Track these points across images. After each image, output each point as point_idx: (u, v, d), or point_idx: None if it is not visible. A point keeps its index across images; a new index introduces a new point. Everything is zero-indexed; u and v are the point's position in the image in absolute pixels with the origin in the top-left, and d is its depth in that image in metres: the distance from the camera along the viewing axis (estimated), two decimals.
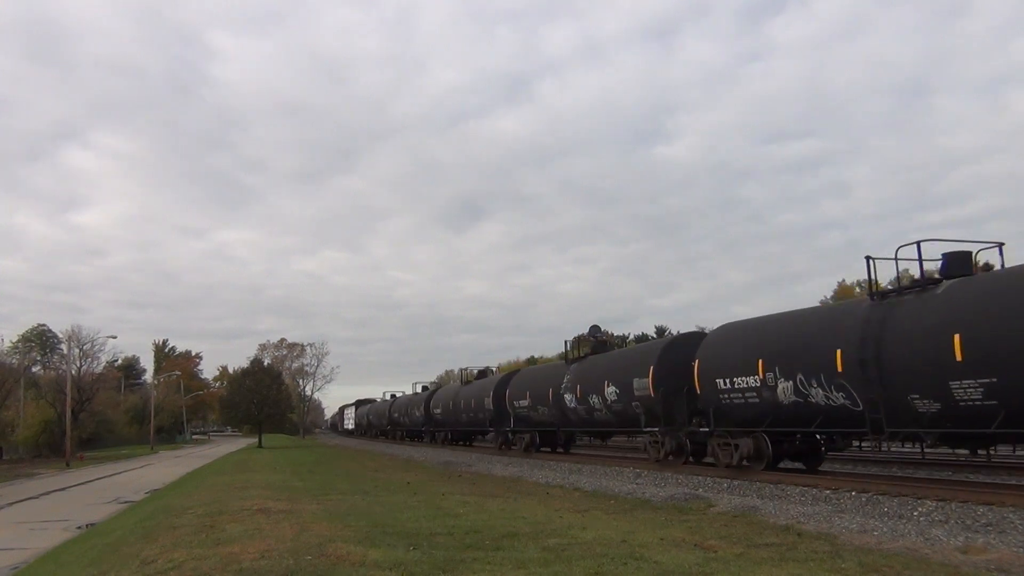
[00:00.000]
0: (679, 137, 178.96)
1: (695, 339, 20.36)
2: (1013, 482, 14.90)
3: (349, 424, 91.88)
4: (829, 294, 78.90)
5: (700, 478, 17.44)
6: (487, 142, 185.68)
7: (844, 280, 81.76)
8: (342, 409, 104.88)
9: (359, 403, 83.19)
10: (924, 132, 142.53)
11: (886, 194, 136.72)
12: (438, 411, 44.38)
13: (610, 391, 22.37)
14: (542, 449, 29.75)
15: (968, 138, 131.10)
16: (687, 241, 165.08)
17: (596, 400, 23.30)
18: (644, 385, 20.29)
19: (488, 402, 34.08)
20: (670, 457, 20.04)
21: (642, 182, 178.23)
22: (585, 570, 7.02)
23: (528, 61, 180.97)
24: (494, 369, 44.71)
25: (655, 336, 67.99)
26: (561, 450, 29.54)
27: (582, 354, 26.32)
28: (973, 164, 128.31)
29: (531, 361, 77.53)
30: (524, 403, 29.75)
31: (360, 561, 7.39)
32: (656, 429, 20.20)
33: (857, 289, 76.03)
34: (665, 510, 12.58)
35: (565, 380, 25.73)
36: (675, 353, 20.04)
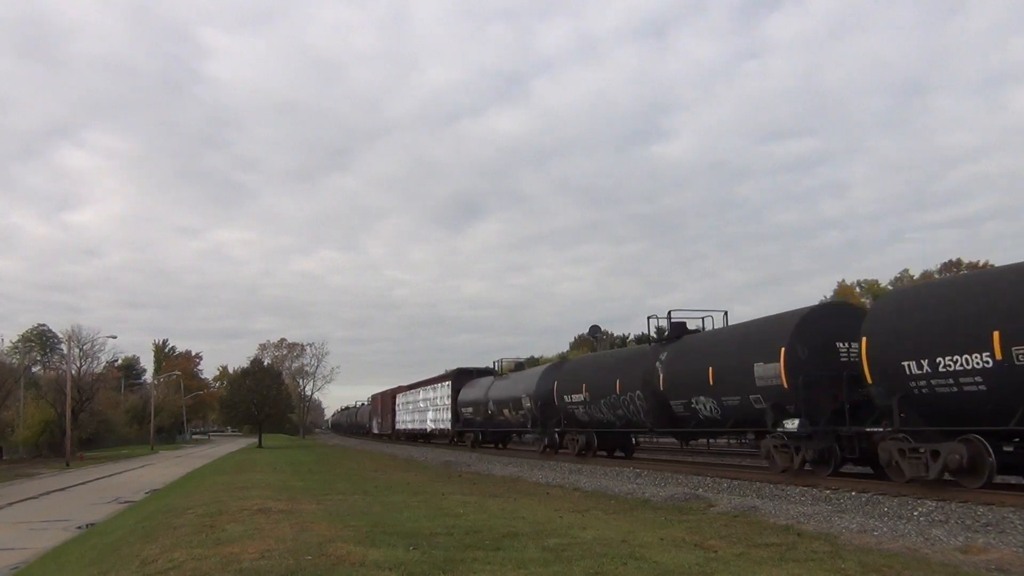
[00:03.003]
0: (676, 136, 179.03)
1: (842, 311, 16.25)
2: (1013, 482, 14.90)
3: (435, 420, 44.98)
4: (829, 294, 79.04)
5: (700, 478, 17.43)
6: (483, 141, 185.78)
7: (844, 280, 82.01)
8: (391, 397, 58.62)
9: (462, 374, 41.80)
10: (922, 131, 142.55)
11: (884, 193, 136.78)
12: (468, 410, 38.35)
13: (717, 381, 17.71)
14: (599, 453, 25.51)
15: (966, 137, 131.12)
16: (685, 240, 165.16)
17: (695, 393, 18.56)
18: (772, 372, 15.81)
19: (528, 399, 29.15)
20: (807, 466, 15.70)
21: (639, 181, 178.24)
22: (585, 570, 7.02)
23: (523, 59, 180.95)
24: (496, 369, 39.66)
25: (655, 336, 63.57)
26: (621, 454, 25.72)
27: (666, 336, 21.25)
28: (972, 163, 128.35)
29: (532, 361, 71.84)
30: (579, 398, 24.88)
31: (360, 561, 7.39)
32: (794, 429, 15.36)
33: (857, 289, 76.19)
34: (665, 510, 12.58)
35: (645, 368, 21.07)
36: (815, 328, 15.75)
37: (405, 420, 53.41)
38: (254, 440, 67.96)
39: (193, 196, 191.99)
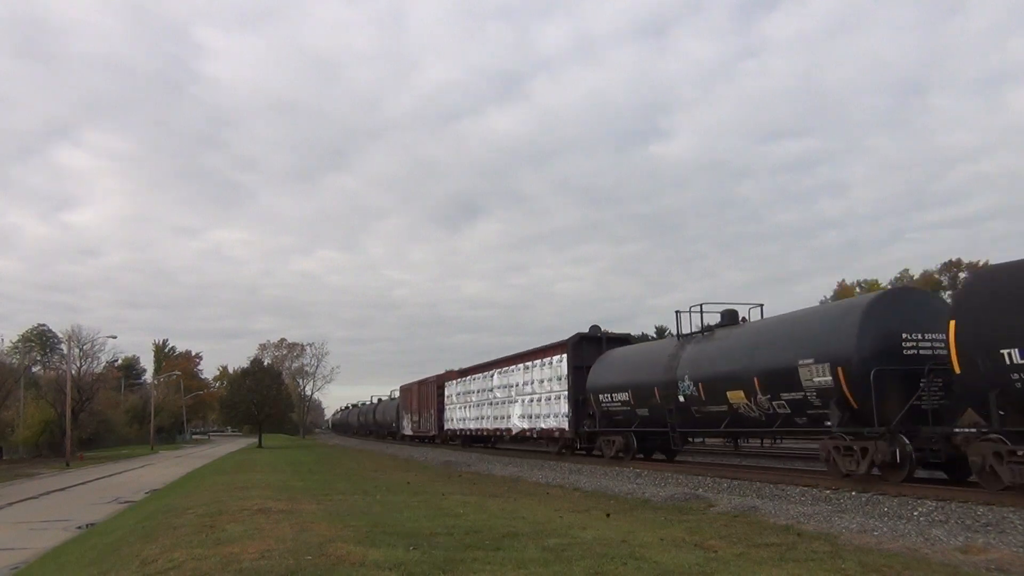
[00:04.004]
0: (675, 135, 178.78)
1: None
2: None
3: (530, 416, 29.59)
4: (829, 294, 79.08)
5: (700, 478, 17.43)
6: (482, 140, 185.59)
7: (844, 280, 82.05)
8: (436, 386, 45.28)
9: (587, 343, 26.95)
10: (922, 131, 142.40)
11: (883, 193, 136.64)
12: (619, 397, 23.04)
13: None
14: None
15: (966, 136, 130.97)
16: (685, 240, 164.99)
17: None
18: None
19: (820, 369, 14.97)
20: None
21: (639, 181, 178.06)
22: (585, 570, 7.02)
23: (522, 59, 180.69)
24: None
25: (655, 336, 59.94)
26: None
27: None
28: (971, 163, 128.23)
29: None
30: None
31: (360, 561, 7.40)
32: None
33: (857, 289, 76.19)
34: (665, 510, 12.59)
35: None
36: None
37: (463, 417, 39.43)
38: (254, 440, 67.97)
39: (192, 196, 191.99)
